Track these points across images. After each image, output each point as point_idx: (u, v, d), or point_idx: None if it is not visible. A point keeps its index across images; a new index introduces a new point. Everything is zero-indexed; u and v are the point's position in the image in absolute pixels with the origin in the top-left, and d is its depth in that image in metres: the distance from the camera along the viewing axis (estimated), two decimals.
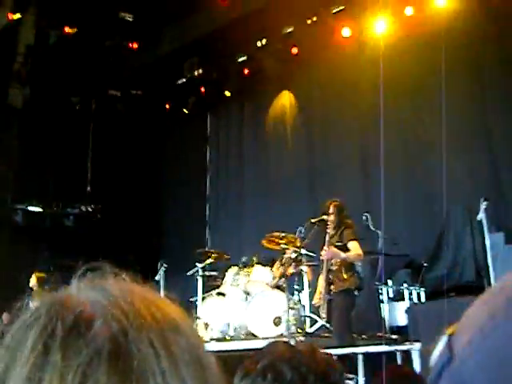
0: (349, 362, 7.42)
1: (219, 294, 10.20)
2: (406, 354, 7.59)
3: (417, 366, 7.24)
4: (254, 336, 9.01)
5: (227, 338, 9.59)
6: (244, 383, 1.48)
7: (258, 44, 14.61)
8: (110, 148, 17.68)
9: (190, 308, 9.99)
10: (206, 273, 10.93)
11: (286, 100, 15.01)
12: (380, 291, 9.43)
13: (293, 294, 9.32)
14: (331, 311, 8.20)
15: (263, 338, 8.41)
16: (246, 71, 15.15)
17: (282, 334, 8.38)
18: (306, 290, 9.64)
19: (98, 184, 17.07)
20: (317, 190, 13.62)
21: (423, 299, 9.46)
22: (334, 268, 8.23)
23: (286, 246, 9.25)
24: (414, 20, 12.22)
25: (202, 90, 16.10)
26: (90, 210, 16.43)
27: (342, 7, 13.17)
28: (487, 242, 8.19)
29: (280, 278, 9.42)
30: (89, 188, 16.61)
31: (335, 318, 8.09)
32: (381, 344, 7.46)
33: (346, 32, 13.13)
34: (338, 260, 8.18)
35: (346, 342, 7.87)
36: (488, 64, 11.70)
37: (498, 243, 8.43)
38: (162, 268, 10.78)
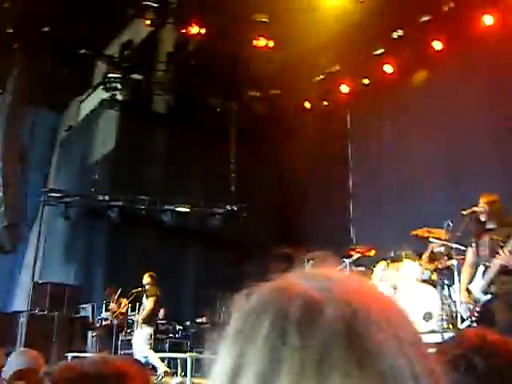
0: None
1: None
2: None
3: None
4: None
5: None
6: None
7: (394, 35, 14.35)
8: (251, 147, 18.04)
9: None
10: (354, 268, 10.92)
11: (426, 91, 14.59)
12: None
13: (442, 289, 9.10)
14: (489, 311, 7.83)
15: None
16: (384, 64, 14.92)
17: (432, 330, 8.23)
18: (457, 285, 9.37)
19: (242, 183, 17.41)
20: (460, 182, 13.14)
21: None
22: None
23: (435, 240, 9.05)
24: None
25: (340, 85, 16.04)
26: (235, 209, 16.81)
27: None
28: None
29: (431, 272, 9.22)
30: (233, 188, 17.01)
31: (504, 319, 7.65)
32: None
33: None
34: None
35: None
36: None
37: None
38: (309, 265, 10.88)
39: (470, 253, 8.03)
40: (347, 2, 14.11)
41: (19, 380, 2.87)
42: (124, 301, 14.01)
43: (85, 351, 12.93)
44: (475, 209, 8.02)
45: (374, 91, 15.76)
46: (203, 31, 16.15)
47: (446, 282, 9.10)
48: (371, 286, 0.67)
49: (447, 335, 7.81)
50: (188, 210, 17.13)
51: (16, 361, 3.41)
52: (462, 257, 9.13)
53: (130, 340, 13.12)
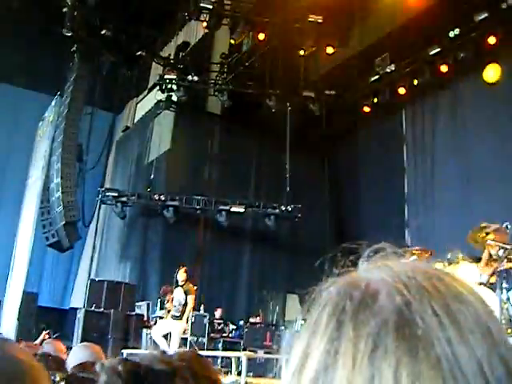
0: None
1: None
2: None
3: None
4: None
5: None
6: None
7: (451, 34, 14.13)
8: (306, 148, 18.02)
9: None
10: None
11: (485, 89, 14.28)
12: None
13: (501, 293, 8.90)
14: None
15: None
16: (440, 63, 14.71)
17: None
18: None
19: (297, 184, 17.39)
20: None
21: None
22: None
23: (493, 242, 8.86)
24: None
25: (396, 85, 15.88)
26: (289, 209, 16.81)
27: None
28: None
29: (489, 275, 9.03)
30: (288, 188, 17.01)
31: None
32: None
33: None
34: None
35: None
36: None
37: None
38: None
39: None
40: (403, 2, 13.97)
41: (81, 372, 2.94)
42: None
43: (139, 348, 13.10)
44: None
45: (429, 91, 15.55)
46: (257, 32, 16.21)
47: (504, 285, 8.89)
48: (437, 272, 0.65)
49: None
50: (243, 210, 17.20)
51: (79, 354, 3.51)
52: None
53: (184, 338, 13.26)
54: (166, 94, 18.28)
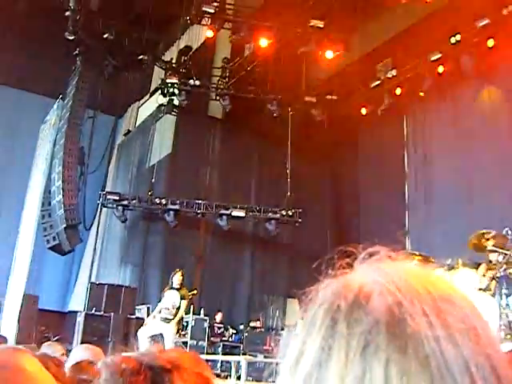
0: None
1: None
2: None
3: None
4: None
5: None
6: None
7: (452, 40, 14.16)
8: (307, 152, 18.02)
9: None
10: None
11: (486, 96, 14.31)
12: None
13: (501, 298, 8.90)
14: None
15: None
16: (441, 69, 14.74)
17: None
18: None
19: (298, 188, 17.40)
20: None
21: None
22: None
23: (493, 248, 8.86)
24: None
25: (397, 91, 15.90)
26: (290, 213, 16.81)
27: None
28: None
29: (489, 281, 9.02)
30: (288, 193, 17.02)
31: None
32: None
33: None
34: None
35: None
36: None
37: None
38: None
39: None
40: (404, 7, 14.00)
41: (79, 372, 2.95)
42: None
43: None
44: None
45: (431, 96, 15.56)
46: (259, 37, 16.23)
47: (504, 290, 8.89)
48: (428, 274, 0.68)
49: (506, 345, 7.64)
50: (243, 214, 17.21)
51: (79, 354, 3.52)
52: None
53: (184, 342, 13.26)
54: (167, 98, 18.33)
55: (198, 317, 14.23)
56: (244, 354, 13.04)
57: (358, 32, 15.80)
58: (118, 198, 17.60)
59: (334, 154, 18.50)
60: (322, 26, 15.68)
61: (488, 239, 9.14)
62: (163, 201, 17.17)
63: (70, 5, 16.07)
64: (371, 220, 16.53)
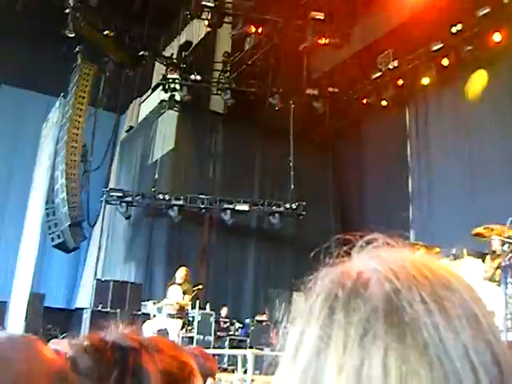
0: None
1: None
2: None
3: None
4: None
5: None
6: None
7: (453, 30, 14.10)
8: (310, 145, 18.02)
9: None
10: None
11: (488, 85, 14.24)
12: None
13: (506, 287, 8.89)
14: None
15: None
16: (442, 59, 14.68)
17: None
18: None
19: (301, 182, 17.39)
20: None
21: None
22: None
23: (498, 238, 8.86)
24: None
25: (399, 82, 15.86)
26: (294, 207, 16.81)
27: None
28: None
29: (494, 270, 9.02)
30: (292, 186, 17.00)
31: None
32: None
33: None
34: None
35: None
36: None
37: None
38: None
39: None
40: None
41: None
42: None
43: None
44: None
45: (432, 87, 15.51)
46: (260, 30, 16.20)
47: (509, 279, 8.89)
48: (425, 261, 0.67)
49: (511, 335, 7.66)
50: (247, 208, 17.20)
51: None
52: None
53: (191, 337, 13.28)
54: (169, 94, 18.32)
55: (204, 311, 14.25)
56: (251, 347, 13.06)
57: (358, 24, 15.75)
58: (121, 194, 17.62)
59: (337, 146, 18.49)
60: (322, 18, 15.63)
61: (493, 229, 9.15)
62: (167, 196, 17.18)
63: (70, 2, 16.05)
64: (375, 211, 16.52)
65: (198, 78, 17.79)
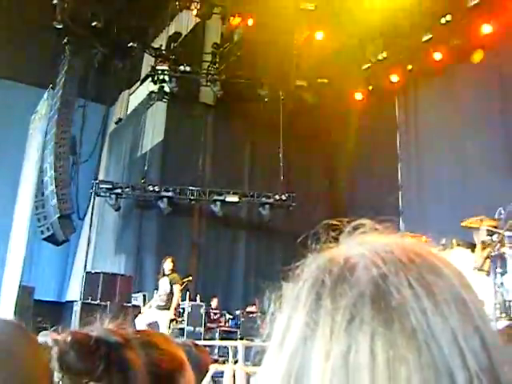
0: None
1: None
2: None
3: None
4: None
5: None
6: None
7: (442, 21, 14.11)
8: (299, 137, 18.00)
9: None
10: None
11: (478, 77, 14.25)
12: None
13: (495, 277, 8.94)
14: None
15: None
16: (432, 50, 14.70)
17: None
18: (510, 274, 9.19)
19: (291, 173, 17.41)
20: None
21: None
22: None
23: (487, 228, 8.90)
24: None
25: (388, 72, 15.87)
26: (283, 198, 16.83)
27: None
28: None
29: (484, 260, 9.07)
30: (282, 177, 17.01)
31: None
32: None
33: None
34: None
35: None
36: None
37: None
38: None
39: None
40: None
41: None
42: None
43: None
44: None
45: (422, 78, 15.55)
46: (249, 21, 16.15)
47: (499, 270, 8.94)
48: (414, 247, 0.67)
49: (500, 324, 7.70)
50: (237, 199, 17.21)
51: None
52: None
53: (181, 329, 13.29)
54: (158, 85, 18.25)
55: (194, 303, 14.26)
56: (241, 338, 13.09)
57: (348, 14, 15.71)
58: (110, 186, 17.57)
59: (327, 137, 18.47)
60: (312, 8, 15.60)
61: (482, 220, 9.20)
62: (156, 188, 17.15)
63: None
64: (365, 202, 16.54)
65: (188, 69, 17.73)
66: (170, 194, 17.09)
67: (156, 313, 11.25)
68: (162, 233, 17.98)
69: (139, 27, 18.69)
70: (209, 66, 18.23)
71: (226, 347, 12.41)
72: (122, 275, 15.73)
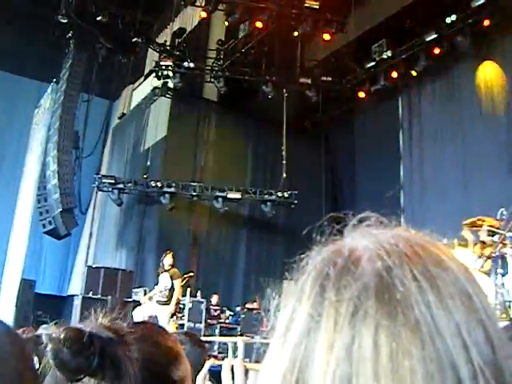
0: None
1: None
2: None
3: None
4: None
5: None
6: None
7: (447, 20, 14.09)
8: (302, 134, 18.01)
9: None
10: None
11: (482, 76, 14.25)
12: None
13: (496, 278, 8.93)
14: None
15: None
16: (437, 49, 14.68)
17: None
18: (511, 274, 9.18)
19: (293, 170, 17.39)
20: None
21: None
22: None
23: (488, 228, 8.90)
24: None
25: (392, 71, 15.85)
26: (286, 195, 16.81)
27: None
28: None
29: (484, 260, 9.06)
30: (284, 174, 16.99)
31: None
32: None
33: None
34: None
35: None
36: None
37: None
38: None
39: None
40: None
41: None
42: None
43: None
44: None
45: (426, 77, 15.54)
46: (254, 18, 16.12)
47: (499, 270, 8.93)
48: (419, 239, 0.67)
49: (501, 324, 7.69)
50: (239, 196, 17.19)
51: None
52: None
53: (181, 325, 13.30)
54: (162, 81, 18.22)
55: (194, 299, 14.27)
56: (241, 335, 13.10)
57: (353, 13, 15.70)
58: (113, 181, 17.56)
59: (330, 135, 18.48)
60: (317, 7, 15.58)
61: (483, 220, 9.20)
62: (159, 184, 17.14)
63: None
64: (367, 200, 16.53)
65: (192, 65, 17.70)
66: (172, 189, 17.08)
67: (156, 307, 11.25)
68: (163, 228, 18.00)
69: (144, 22, 18.67)
70: (213, 63, 18.20)
71: (225, 343, 12.44)
72: (123, 270, 15.76)
